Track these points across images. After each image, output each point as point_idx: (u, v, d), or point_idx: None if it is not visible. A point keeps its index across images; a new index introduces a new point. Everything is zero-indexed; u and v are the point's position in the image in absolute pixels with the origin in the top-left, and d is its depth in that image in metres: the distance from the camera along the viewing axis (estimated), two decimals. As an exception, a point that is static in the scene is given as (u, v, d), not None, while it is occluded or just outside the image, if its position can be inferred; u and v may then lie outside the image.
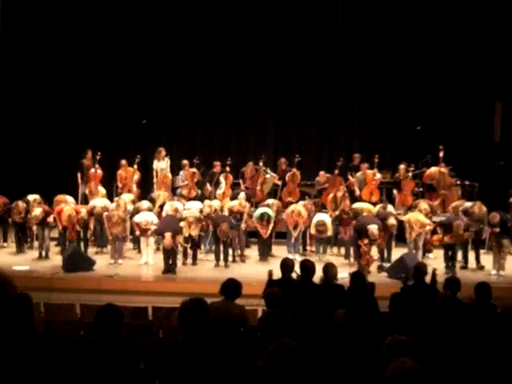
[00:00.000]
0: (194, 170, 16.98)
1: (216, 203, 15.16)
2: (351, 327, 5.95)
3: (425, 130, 17.56)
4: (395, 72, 18.62)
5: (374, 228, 12.98)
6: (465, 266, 13.90)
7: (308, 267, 8.18)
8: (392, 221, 13.65)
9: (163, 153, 17.07)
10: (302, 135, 19.45)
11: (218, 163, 17.10)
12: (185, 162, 17.19)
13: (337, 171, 16.60)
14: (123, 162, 16.98)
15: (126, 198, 15.41)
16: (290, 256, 13.63)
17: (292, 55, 18.96)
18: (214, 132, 19.37)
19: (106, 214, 14.15)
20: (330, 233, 14.39)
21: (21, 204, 14.62)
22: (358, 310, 6.08)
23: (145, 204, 14.81)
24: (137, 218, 13.88)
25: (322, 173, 16.92)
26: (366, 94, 18.89)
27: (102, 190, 16.57)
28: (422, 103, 18.50)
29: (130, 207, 15.04)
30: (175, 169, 17.26)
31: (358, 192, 16.49)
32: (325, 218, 14.38)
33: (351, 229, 13.98)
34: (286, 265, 8.54)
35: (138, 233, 14.00)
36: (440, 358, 4.36)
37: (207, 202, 14.98)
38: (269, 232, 14.49)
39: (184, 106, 19.12)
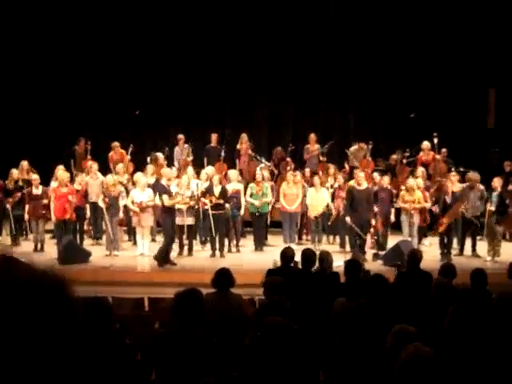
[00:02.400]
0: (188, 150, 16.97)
1: (210, 170, 15.06)
2: (351, 315, 5.95)
3: (419, 118, 17.55)
4: (388, 60, 18.60)
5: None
6: (460, 253, 13.98)
7: (308, 256, 8.21)
8: None
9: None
10: (296, 124, 19.42)
11: (214, 135, 17.15)
12: (180, 136, 17.15)
13: (325, 158, 16.75)
14: (116, 143, 16.87)
15: (111, 178, 14.45)
16: (286, 245, 13.70)
17: (286, 43, 18.88)
18: (209, 122, 19.25)
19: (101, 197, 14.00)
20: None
21: (14, 171, 14.79)
22: (375, 299, 6.04)
23: (142, 179, 14.38)
24: (137, 198, 13.85)
25: (312, 135, 17.32)
26: (360, 82, 18.84)
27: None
28: (415, 90, 18.48)
29: (121, 188, 14.37)
30: (169, 159, 17.14)
31: (355, 164, 16.69)
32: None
33: (342, 201, 14.07)
34: (287, 254, 8.55)
35: (134, 217, 13.95)
36: (440, 344, 4.37)
37: (203, 170, 14.97)
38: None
39: (178, 97, 19.05)
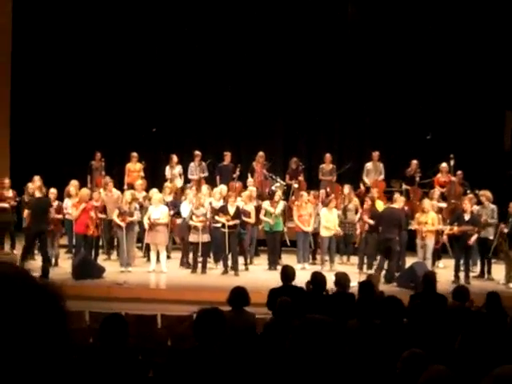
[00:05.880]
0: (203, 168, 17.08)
1: (223, 189, 15.13)
2: (364, 337, 5.92)
3: (435, 140, 17.50)
4: (405, 81, 18.59)
5: None
6: (481, 276, 13.94)
7: (319, 279, 8.21)
8: None
9: (175, 159, 17.06)
10: (313, 145, 19.43)
11: (228, 153, 17.25)
12: (197, 152, 17.21)
13: (334, 178, 17.03)
14: (134, 154, 17.00)
15: (129, 194, 14.42)
16: (300, 265, 13.69)
17: (302, 66, 18.93)
18: (224, 141, 19.26)
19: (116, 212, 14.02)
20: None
21: (30, 185, 14.81)
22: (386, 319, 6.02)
23: (156, 195, 14.46)
24: (154, 215, 13.87)
25: (328, 154, 17.46)
26: (377, 103, 18.85)
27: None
28: (432, 112, 18.44)
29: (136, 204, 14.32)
30: (185, 176, 17.23)
31: (367, 183, 16.86)
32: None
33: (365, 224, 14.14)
34: (287, 272, 8.54)
35: (148, 234, 14.01)
36: (452, 366, 4.34)
37: (217, 189, 15.03)
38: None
39: (193, 116, 19.12)
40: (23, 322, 1.17)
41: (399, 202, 13.96)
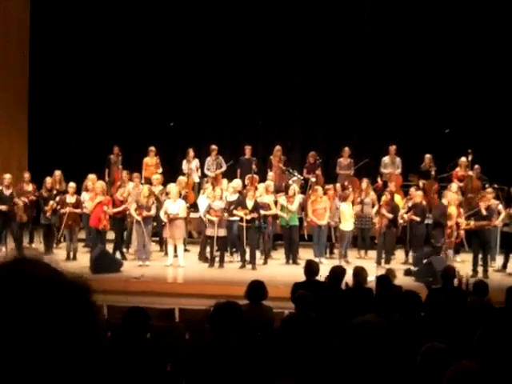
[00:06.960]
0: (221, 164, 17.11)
1: (237, 183, 15.13)
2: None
3: (453, 133, 17.39)
4: (423, 75, 18.48)
5: None
6: (503, 269, 13.85)
7: (337, 272, 8.19)
8: None
9: (192, 153, 17.10)
10: (330, 139, 19.38)
11: (248, 147, 17.26)
12: (213, 146, 17.24)
13: (352, 172, 16.99)
14: (151, 148, 17.05)
15: (146, 189, 14.55)
16: (316, 259, 13.64)
17: (320, 60, 18.90)
18: (241, 134, 19.29)
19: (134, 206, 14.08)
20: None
21: (48, 179, 14.92)
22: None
23: (174, 189, 14.48)
24: (171, 209, 13.87)
25: (346, 148, 17.36)
26: (394, 97, 18.76)
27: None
28: (450, 106, 18.33)
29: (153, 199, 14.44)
30: (201, 171, 17.27)
31: (386, 173, 16.92)
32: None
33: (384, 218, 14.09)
34: (311, 267, 8.52)
35: (166, 228, 14.00)
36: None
37: (231, 183, 15.00)
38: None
39: (211, 109, 19.13)
40: (54, 319, 1.16)
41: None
